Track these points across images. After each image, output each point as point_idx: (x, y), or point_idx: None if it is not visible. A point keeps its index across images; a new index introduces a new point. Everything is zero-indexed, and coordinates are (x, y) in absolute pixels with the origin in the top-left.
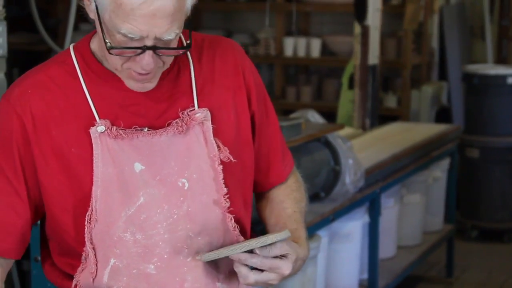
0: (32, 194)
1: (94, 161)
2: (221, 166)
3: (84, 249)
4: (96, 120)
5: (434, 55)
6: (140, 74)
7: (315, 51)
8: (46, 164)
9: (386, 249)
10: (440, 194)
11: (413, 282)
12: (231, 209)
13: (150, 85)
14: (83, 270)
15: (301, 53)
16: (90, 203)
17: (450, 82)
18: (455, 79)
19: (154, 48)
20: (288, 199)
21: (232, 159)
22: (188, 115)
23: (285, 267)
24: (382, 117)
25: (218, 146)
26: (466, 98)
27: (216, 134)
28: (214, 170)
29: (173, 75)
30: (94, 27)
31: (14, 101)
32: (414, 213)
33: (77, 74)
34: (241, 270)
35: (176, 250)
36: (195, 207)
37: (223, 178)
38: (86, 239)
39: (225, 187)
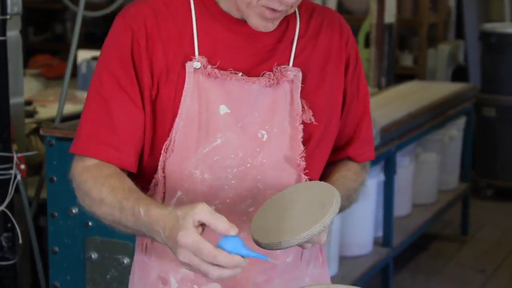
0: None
1: (183, 95)
2: (302, 125)
3: (155, 176)
4: (194, 55)
5: (451, 13)
6: (273, 11)
7: None
8: (145, 82)
9: (401, 207)
10: (455, 153)
11: (427, 240)
12: (306, 171)
13: (272, 26)
14: (151, 196)
15: None
16: (170, 133)
17: (467, 41)
18: (472, 38)
19: None
20: (346, 171)
21: (314, 121)
22: (281, 71)
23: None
24: (398, 76)
25: (303, 107)
26: (482, 57)
27: (304, 95)
28: (294, 128)
29: (281, 30)
30: None
31: (130, 18)
32: (429, 171)
33: (190, 6)
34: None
35: (240, 198)
36: (270, 161)
37: (302, 138)
38: (159, 167)
39: (303, 147)
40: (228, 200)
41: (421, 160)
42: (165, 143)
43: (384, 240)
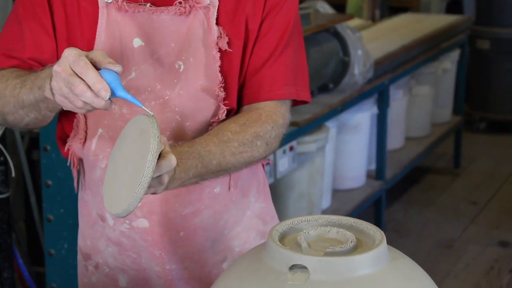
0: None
1: (97, 30)
2: (219, 54)
3: (76, 115)
4: None
5: None
6: None
7: None
8: (56, 15)
9: (394, 140)
10: (449, 85)
11: (420, 173)
12: (226, 101)
13: None
14: (75, 135)
15: None
16: None
17: None
18: None
19: None
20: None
21: (228, 48)
22: None
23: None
24: (392, 8)
25: (220, 34)
26: None
27: (222, 22)
28: (211, 57)
29: None
30: None
31: None
32: (422, 104)
33: None
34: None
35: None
36: (187, 92)
37: (220, 67)
38: None
39: (221, 76)
40: None
41: (414, 93)
42: None
43: (377, 173)
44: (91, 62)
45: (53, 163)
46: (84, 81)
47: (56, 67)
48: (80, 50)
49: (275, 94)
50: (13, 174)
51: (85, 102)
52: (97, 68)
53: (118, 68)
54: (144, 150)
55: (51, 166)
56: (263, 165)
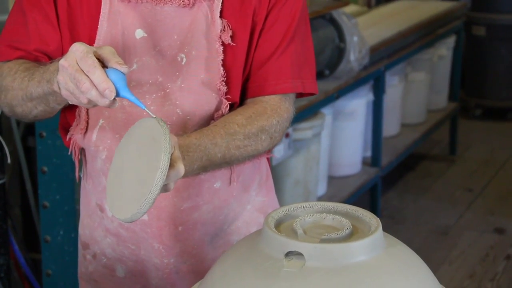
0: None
1: (100, 19)
2: (222, 47)
3: (78, 106)
4: None
5: None
6: None
7: None
8: (59, 4)
9: (390, 127)
10: (445, 72)
11: (416, 159)
12: (228, 96)
13: None
14: (76, 125)
15: None
16: None
17: None
18: None
19: None
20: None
21: (231, 42)
22: None
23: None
24: None
25: (224, 28)
26: None
27: (226, 15)
28: (213, 50)
29: None
30: None
31: None
32: (418, 91)
33: None
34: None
35: None
36: (188, 85)
37: (222, 60)
38: None
39: (223, 70)
40: None
41: (410, 80)
42: None
43: (373, 160)
44: (99, 59)
45: (49, 149)
46: (90, 78)
47: (63, 62)
48: (89, 46)
49: (280, 88)
50: (9, 161)
51: (90, 99)
52: (104, 65)
53: (124, 69)
54: (153, 162)
55: (47, 152)
56: (268, 159)
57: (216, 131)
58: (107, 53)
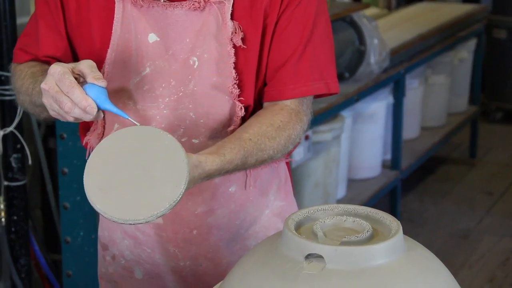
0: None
1: (113, 24)
2: (233, 50)
3: None
4: None
5: None
6: None
7: None
8: (70, 7)
9: (410, 130)
10: (465, 75)
11: (436, 162)
12: (241, 98)
13: None
14: (94, 130)
15: None
16: (103, 66)
17: None
18: None
19: None
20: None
21: (242, 44)
22: None
23: None
24: None
25: (235, 30)
26: None
27: (237, 17)
28: (225, 53)
29: None
30: None
31: None
32: (438, 94)
33: None
34: None
35: (172, 128)
36: (201, 88)
37: (234, 63)
38: None
39: (235, 73)
40: None
41: (430, 83)
42: None
43: (393, 163)
44: (79, 74)
45: (69, 151)
46: (70, 98)
47: (44, 85)
48: (66, 65)
49: (300, 92)
50: (30, 162)
51: (75, 117)
52: (85, 80)
53: (102, 83)
54: (172, 177)
55: (68, 153)
56: (287, 162)
57: (250, 150)
58: (85, 68)
